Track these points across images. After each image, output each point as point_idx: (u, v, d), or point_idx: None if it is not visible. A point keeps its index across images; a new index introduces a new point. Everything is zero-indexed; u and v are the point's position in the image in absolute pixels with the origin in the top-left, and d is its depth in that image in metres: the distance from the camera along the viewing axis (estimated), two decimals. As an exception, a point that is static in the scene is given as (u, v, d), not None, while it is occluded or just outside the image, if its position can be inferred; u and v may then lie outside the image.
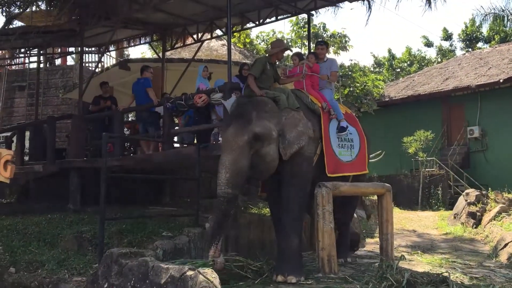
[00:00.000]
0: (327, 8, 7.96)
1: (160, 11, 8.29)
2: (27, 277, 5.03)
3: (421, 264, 5.94)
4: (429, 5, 6.87)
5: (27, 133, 9.97)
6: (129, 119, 12.93)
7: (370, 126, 20.47)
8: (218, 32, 9.48)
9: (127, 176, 7.23)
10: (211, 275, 3.33)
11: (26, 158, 9.83)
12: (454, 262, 6.09)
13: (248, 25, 9.31)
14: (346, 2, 7.70)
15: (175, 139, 7.66)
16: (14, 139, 9.96)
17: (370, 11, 7.53)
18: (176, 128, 8.13)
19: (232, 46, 12.73)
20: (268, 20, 8.43)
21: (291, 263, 4.95)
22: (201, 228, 5.90)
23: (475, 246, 7.32)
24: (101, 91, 9.42)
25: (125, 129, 10.24)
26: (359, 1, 7.53)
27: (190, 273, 3.42)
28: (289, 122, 5.29)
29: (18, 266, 5.34)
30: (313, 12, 8.19)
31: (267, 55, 6.17)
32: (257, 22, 8.61)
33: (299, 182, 5.30)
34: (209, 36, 9.65)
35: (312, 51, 6.59)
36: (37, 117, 10.47)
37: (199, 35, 9.52)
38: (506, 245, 6.31)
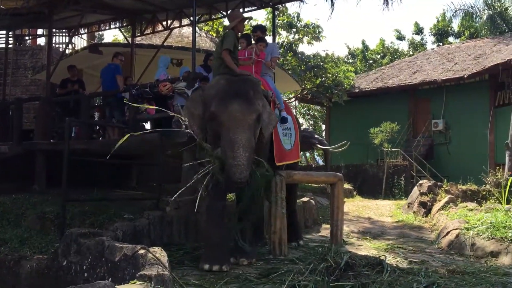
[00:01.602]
0: (292, 2, 8.24)
1: (129, -3, 8.40)
2: (-11, 255, 5.21)
3: (368, 248, 6.33)
4: (387, 5, 7.26)
5: (-6, 114, 9.99)
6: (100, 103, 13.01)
7: (340, 116, 21.25)
8: (188, 20, 9.63)
9: (90, 160, 7.38)
10: (160, 253, 3.61)
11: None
12: (400, 247, 6.49)
13: (217, 16, 9.48)
14: (312, -2, 8.00)
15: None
16: (-19, 119, 9.97)
17: (333, 8, 7.89)
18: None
19: (203, 34, 12.94)
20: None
21: (243, 247, 5.14)
22: (161, 212, 6.14)
23: (422, 234, 7.78)
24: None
25: (96, 113, 10.39)
26: (323, -3, 7.85)
27: (141, 251, 3.69)
28: (264, 104, 5.26)
29: (-19, 244, 5.52)
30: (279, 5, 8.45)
31: (229, 29, 5.67)
32: (224, 13, 8.82)
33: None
34: (178, 24, 9.80)
35: (261, 37, 6.24)
36: (4, 97, 10.48)
37: (169, 22, 9.68)
38: (448, 233, 6.76)
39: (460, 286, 4.28)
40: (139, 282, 2.95)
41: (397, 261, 5.46)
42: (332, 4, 7.81)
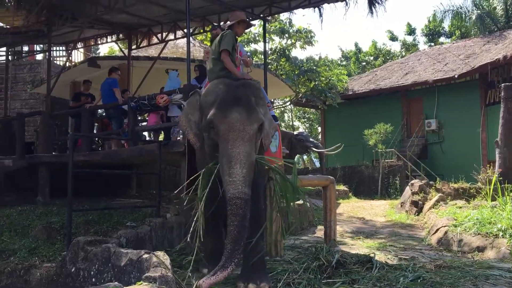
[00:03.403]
0: (282, 14, 8.60)
1: (125, 13, 8.71)
2: (1, 264, 5.45)
3: (361, 247, 6.60)
4: (372, 14, 7.61)
5: (-4, 128, 10.29)
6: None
7: (335, 119, 21.57)
8: (182, 32, 9.95)
9: (92, 172, 7.69)
10: (163, 257, 3.89)
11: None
12: (391, 245, 6.77)
13: (209, 27, 9.78)
14: (300, 9, 8.36)
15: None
16: (-16, 134, 10.25)
17: (322, 18, 8.24)
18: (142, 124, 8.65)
19: (197, 44, 13.25)
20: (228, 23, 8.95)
21: (260, 269, 4.48)
22: (162, 218, 6.42)
23: (413, 232, 8.06)
24: (74, 88, 9.88)
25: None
26: (311, 8, 8.20)
27: (145, 256, 3.99)
28: (266, 111, 4.83)
29: (-9, 255, 5.78)
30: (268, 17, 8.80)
31: (227, 30, 5.15)
32: (216, 25, 9.12)
33: (261, 177, 4.85)
34: (172, 37, 10.12)
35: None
36: (6, 113, 10.77)
37: (163, 35, 10.00)
38: (437, 230, 7.05)
39: (445, 279, 4.55)
40: (145, 283, 3.23)
41: (388, 258, 5.74)
42: (321, 15, 8.17)
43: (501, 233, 5.99)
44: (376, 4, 7.50)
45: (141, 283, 3.25)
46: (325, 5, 8.15)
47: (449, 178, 12.97)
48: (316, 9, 8.12)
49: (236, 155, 4.16)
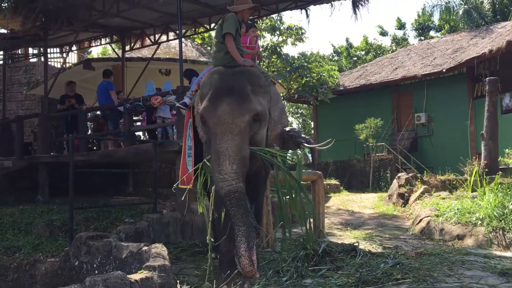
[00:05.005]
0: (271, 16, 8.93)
1: (119, 17, 8.99)
2: (7, 260, 5.75)
3: (348, 238, 6.96)
4: (356, 15, 7.97)
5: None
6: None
7: (327, 114, 21.88)
8: (174, 34, 10.26)
9: (91, 171, 8.00)
10: (161, 248, 4.22)
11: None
12: (377, 236, 7.13)
13: (200, 29, 10.13)
14: (287, 11, 8.69)
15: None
16: (-17, 136, 10.51)
17: (309, 19, 8.59)
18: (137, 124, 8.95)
19: (189, 44, 13.54)
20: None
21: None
22: (159, 214, 6.75)
23: (399, 223, 8.43)
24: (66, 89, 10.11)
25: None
26: (298, 10, 8.54)
27: (145, 248, 4.32)
28: (274, 99, 4.58)
29: (-3, 252, 6.09)
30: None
31: (232, 13, 4.66)
32: (207, 27, 9.47)
33: (267, 170, 4.83)
34: (165, 38, 10.41)
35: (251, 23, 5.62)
36: (4, 115, 11.02)
37: (156, 36, 10.30)
38: (420, 220, 7.41)
39: (423, 265, 4.90)
40: (146, 272, 3.56)
41: (372, 247, 6.09)
42: (307, 16, 8.51)
43: (479, 222, 6.34)
44: (360, 6, 7.86)
45: (142, 272, 3.57)
46: (311, 6, 8.49)
47: (439, 170, 13.34)
48: (303, 10, 8.47)
49: (224, 150, 3.92)
